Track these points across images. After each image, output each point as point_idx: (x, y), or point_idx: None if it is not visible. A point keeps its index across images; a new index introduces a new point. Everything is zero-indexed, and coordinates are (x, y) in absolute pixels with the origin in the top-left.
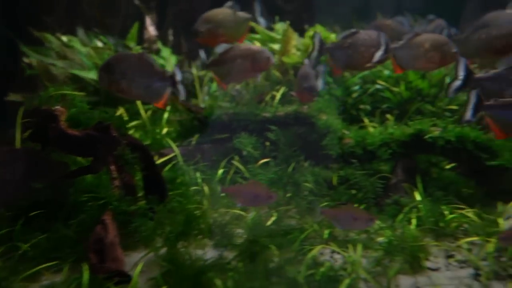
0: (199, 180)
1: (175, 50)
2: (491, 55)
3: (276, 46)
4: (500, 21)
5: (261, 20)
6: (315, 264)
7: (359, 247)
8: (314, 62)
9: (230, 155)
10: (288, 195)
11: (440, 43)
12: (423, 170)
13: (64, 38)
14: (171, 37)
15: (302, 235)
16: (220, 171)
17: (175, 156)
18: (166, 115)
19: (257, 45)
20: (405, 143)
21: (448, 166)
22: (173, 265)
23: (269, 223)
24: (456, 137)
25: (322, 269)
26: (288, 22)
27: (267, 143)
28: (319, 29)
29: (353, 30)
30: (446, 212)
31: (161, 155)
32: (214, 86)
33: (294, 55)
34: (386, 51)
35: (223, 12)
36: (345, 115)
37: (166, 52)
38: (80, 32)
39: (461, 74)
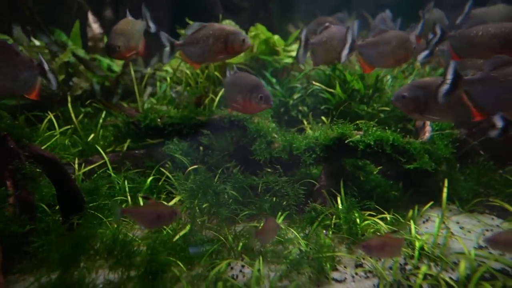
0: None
1: None
2: (488, 54)
3: None
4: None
5: (152, 25)
6: (217, 280)
7: (261, 261)
8: (302, 58)
9: (163, 161)
10: (205, 205)
11: (403, 40)
12: (351, 174)
13: None
14: None
15: (210, 249)
16: (149, 179)
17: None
18: (101, 120)
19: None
20: (328, 147)
21: (376, 170)
22: None
23: (177, 237)
24: (375, 141)
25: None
26: (229, 21)
27: (201, 148)
28: (260, 29)
29: (326, 24)
30: (360, 219)
31: (88, 163)
32: (163, 86)
33: None
34: (352, 48)
35: (128, 23)
36: (286, 117)
37: None
38: (16, 30)
39: (449, 77)
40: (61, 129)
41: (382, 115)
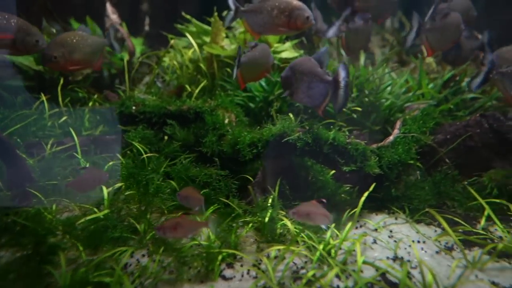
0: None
1: (156, 39)
2: None
3: (208, 39)
4: None
5: (115, 44)
6: (99, 268)
7: (160, 251)
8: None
9: (129, 147)
10: (130, 192)
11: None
12: (296, 172)
13: None
14: (146, 27)
15: (113, 234)
16: (110, 164)
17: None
18: (90, 104)
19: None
20: (269, 143)
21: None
22: None
23: (81, 221)
24: (314, 139)
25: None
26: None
27: (165, 137)
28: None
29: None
30: (269, 219)
31: (60, 144)
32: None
33: (218, 47)
34: (418, 33)
35: (77, 35)
36: (263, 113)
37: (135, 41)
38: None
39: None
40: (51, 111)
41: (354, 116)
